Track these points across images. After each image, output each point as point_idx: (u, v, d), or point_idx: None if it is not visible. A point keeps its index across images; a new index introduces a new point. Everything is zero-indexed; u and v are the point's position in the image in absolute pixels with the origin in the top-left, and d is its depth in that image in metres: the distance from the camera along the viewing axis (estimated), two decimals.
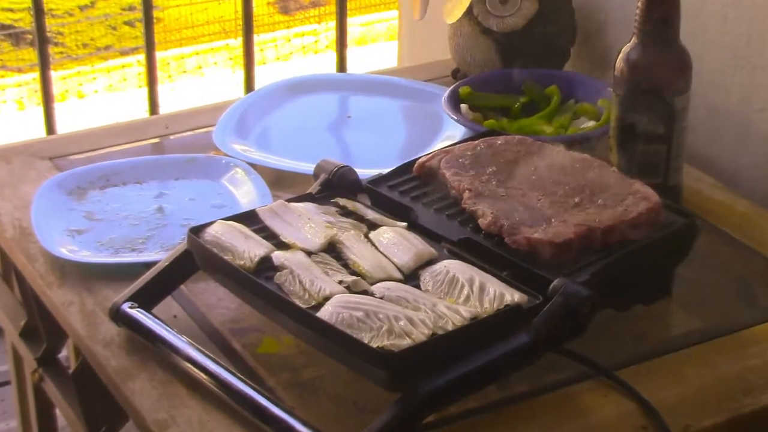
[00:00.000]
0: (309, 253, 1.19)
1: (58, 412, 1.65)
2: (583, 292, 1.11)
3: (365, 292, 1.13)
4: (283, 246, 1.20)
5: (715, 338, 1.23)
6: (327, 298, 1.11)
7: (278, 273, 1.16)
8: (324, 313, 1.09)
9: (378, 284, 1.14)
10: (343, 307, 1.09)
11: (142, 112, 2.17)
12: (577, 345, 1.15)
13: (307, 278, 1.14)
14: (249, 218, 1.26)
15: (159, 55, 2.03)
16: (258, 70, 2.07)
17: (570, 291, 1.11)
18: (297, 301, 1.12)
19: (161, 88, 2.02)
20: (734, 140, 1.60)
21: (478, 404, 1.12)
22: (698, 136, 1.61)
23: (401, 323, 1.07)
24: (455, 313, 1.09)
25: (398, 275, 1.17)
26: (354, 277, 1.15)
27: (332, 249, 1.21)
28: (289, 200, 1.29)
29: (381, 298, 1.11)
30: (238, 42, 5.39)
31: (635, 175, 1.32)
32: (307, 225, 1.23)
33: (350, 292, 1.13)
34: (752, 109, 1.56)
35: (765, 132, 1.54)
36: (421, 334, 1.06)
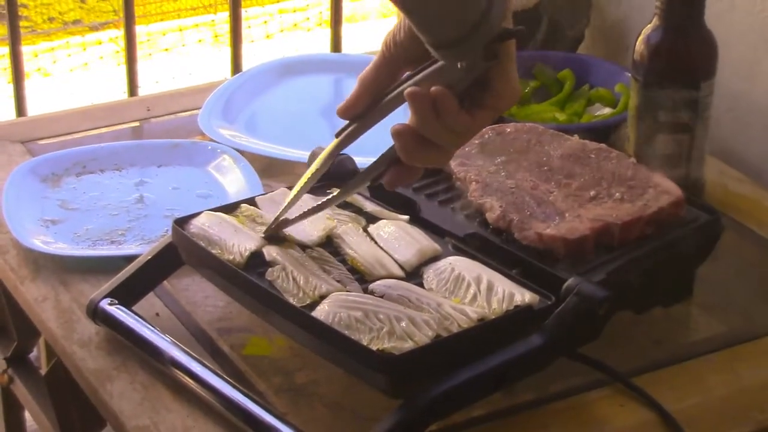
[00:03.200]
0: (304, 248, 1.20)
1: (27, 415, 1.66)
2: (598, 293, 1.12)
3: (365, 291, 1.14)
4: (275, 239, 1.21)
5: (739, 344, 1.24)
6: (323, 297, 1.12)
7: (270, 269, 1.16)
8: (320, 313, 1.09)
9: (378, 282, 1.15)
10: (341, 306, 1.09)
11: (120, 93, 2.17)
12: (592, 349, 1.15)
13: (301, 275, 1.15)
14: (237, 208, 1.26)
15: (138, 30, 2.03)
16: (246, 49, 2.07)
17: (585, 291, 1.12)
18: (290, 300, 1.12)
19: (141, 67, 2.02)
20: (762, 131, 1.60)
21: (484, 412, 1.13)
22: (723, 125, 1.62)
23: (403, 324, 1.07)
24: (461, 314, 1.10)
25: (400, 273, 1.17)
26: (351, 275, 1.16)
27: (329, 243, 1.22)
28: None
29: (381, 296, 1.12)
30: (223, 17, 5.38)
31: (655, 167, 1.32)
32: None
33: (348, 290, 1.13)
34: None
35: None
36: (424, 337, 1.06)
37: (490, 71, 1.07)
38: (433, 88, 1.06)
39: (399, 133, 1.09)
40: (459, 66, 1.06)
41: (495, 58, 1.06)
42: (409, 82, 1.10)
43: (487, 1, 1.03)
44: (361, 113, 1.13)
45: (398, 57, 1.11)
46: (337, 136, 1.16)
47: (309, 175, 1.18)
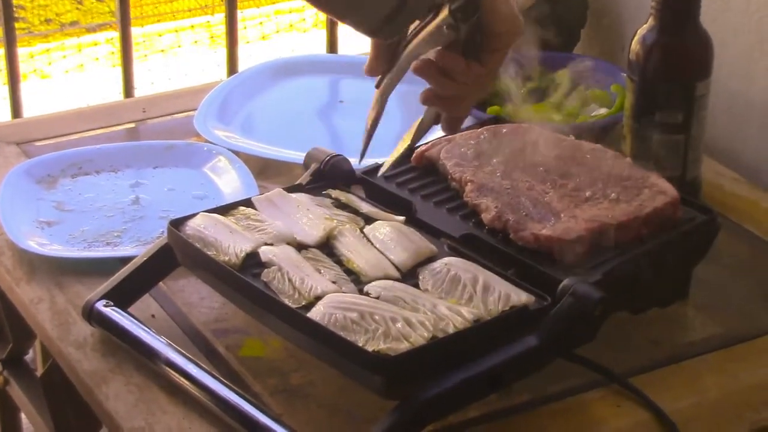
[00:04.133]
0: (299, 249, 1.20)
1: (23, 417, 1.66)
2: (594, 294, 1.12)
3: (360, 292, 1.14)
4: (272, 240, 1.21)
5: (735, 344, 1.24)
6: (318, 298, 1.12)
7: (266, 270, 1.16)
8: (315, 314, 1.09)
9: (373, 283, 1.15)
10: (336, 307, 1.09)
11: (115, 94, 2.17)
12: (588, 350, 1.16)
13: (297, 276, 1.15)
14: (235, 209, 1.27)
15: (134, 31, 2.03)
16: (241, 50, 2.07)
17: (581, 292, 1.12)
18: (286, 301, 1.12)
19: (136, 68, 2.02)
20: (758, 131, 1.61)
21: (480, 413, 1.13)
22: (719, 126, 1.62)
23: (398, 325, 1.07)
24: (457, 315, 1.10)
25: (395, 274, 1.17)
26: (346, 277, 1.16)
27: (324, 245, 1.22)
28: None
29: (377, 298, 1.12)
30: (219, 18, 5.38)
31: (651, 168, 1.32)
32: (306, 217, 1.24)
33: (343, 292, 1.13)
34: None
35: None
36: (420, 338, 1.06)
37: (482, 16, 1.10)
38: (435, 55, 1.11)
39: (429, 100, 1.16)
40: (445, 29, 1.10)
41: (473, 15, 1.09)
42: (411, 46, 1.13)
43: None
44: (386, 68, 1.17)
45: None
46: (377, 87, 1.19)
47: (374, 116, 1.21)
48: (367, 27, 1.09)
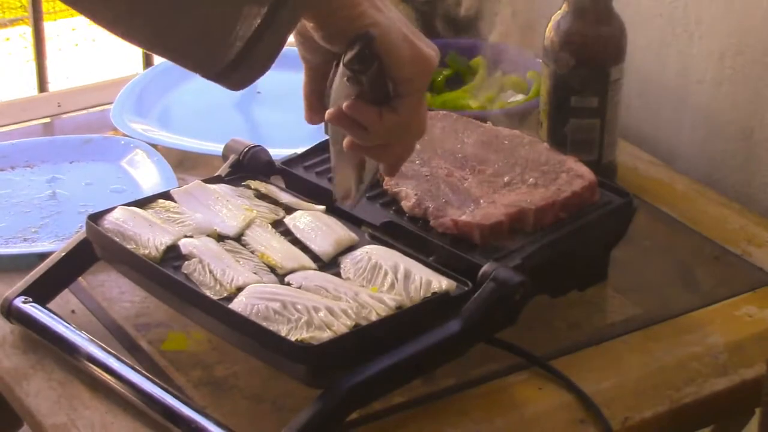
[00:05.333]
0: (219, 240, 1.20)
1: None
2: (514, 278, 1.13)
3: (282, 282, 1.14)
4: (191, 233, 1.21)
5: (654, 325, 1.26)
6: (240, 289, 1.12)
7: (186, 262, 1.16)
8: (237, 305, 1.09)
9: (295, 273, 1.15)
10: (258, 297, 1.09)
11: (30, 89, 2.15)
12: (509, 334, 1.17)
13: (217, 267, 1.14)
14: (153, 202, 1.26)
15: (46, 26, 2.01)
16: None
17: (501, 277, 1.12)
18: (207, 293, 1.12)
19: (50, 63, 2.00)
20: (672, 114, 1.63)
21: (404, 399, 1.13)
22: (634, 109, 1.64)
23: (321, 314, 1.07)
24: (379, 302, 1.10)
25: (312, 264, 1.17)
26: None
27: (238, 237, 1.21)
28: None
29: (299, 287, 1.12)
30: None
31: (568, 152, 1.34)
32: (225, 208, 1.24)
33: (264, 282, 1.13)
34: (690, 81, 1.59)
35: (704, 105, 1.58)
36: (342, 326, 1.07)
37: (384, 62, 1.02)
38: (344, 105, 1.03)
39: (352, 149, 1.08)
40: (346, 82, 1.02)
41: (371, 64, 1.00)
42: (331, 101, 1.06)
43: (252, 34, 0.94)
44: (323, 115, 1.09)
45: (319, 63, 1.08)
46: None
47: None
48: (208, 72, 0.97)
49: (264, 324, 1.07)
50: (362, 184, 1.14)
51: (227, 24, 0.94)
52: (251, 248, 1.19)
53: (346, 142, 1.08)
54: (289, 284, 1.13)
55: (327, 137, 1.12)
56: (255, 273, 1.15)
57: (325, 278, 1.14)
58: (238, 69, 0.96)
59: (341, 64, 1.02)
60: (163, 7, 0.94)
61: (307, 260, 1.18)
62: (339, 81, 1.04)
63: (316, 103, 1.10)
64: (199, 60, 0.97)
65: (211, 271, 1.14)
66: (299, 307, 1.08)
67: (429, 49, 1.05)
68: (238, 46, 0.94)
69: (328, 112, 1.06)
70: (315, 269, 1.17)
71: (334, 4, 0.99)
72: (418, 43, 1.04)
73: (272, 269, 1.16)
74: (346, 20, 1.00)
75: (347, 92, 1.03)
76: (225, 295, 1.12)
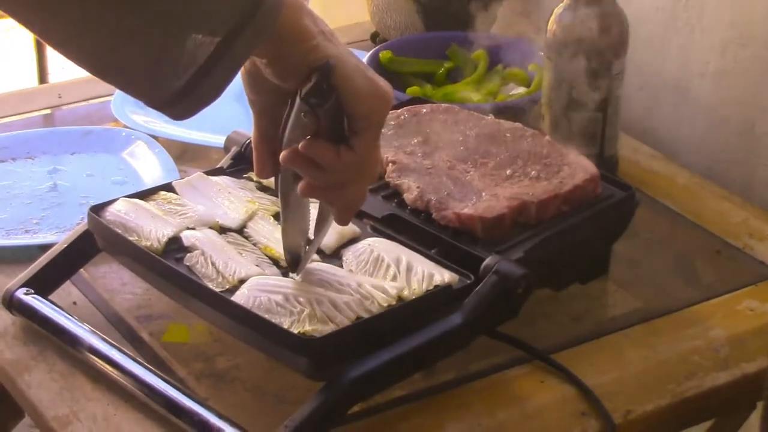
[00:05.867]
0: (221, 232, 1.20)
1: None
2: (516, 271, 1.13)
3: (285, 274, 1.13)
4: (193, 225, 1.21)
5: (655, 318, 1.26)
6: (242, 281, 1.12)
7: (188, 254, 1.16)
8: (239, 297, 1.09)
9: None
10: (261, 290, 1.09)
11: (31, 80, 2.14)
12: (511, 327, 1.17)
13: (220, 259, 1.14)
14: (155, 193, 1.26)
15: None
16: None
17: (503, 270, 1.13)
18: (210, 285, 1.12)
19: (51, 53, 2.00)
20: (673, 107, 1.63)
21: (406, 392, 1.14)
22: (635, 103, 1.64)
23: (323, 307, 1.07)
24: (381, 291, 1.10)
25: (315, 256, 1.17)
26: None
27: (240, 230, 1.21)
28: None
29: (302, 279, 1.12)
30: None
31: (570, 145, 1.34)
32: (227, 200, 1.24)
33: (267, 274, 1.13)
34: (692, 74, 1.59)
35: (706, 98, 1.58)
36: (345, 319, 1.07)
37: (340, 97, 0.99)
38: (300, 145, 1.01)
39: (306, 193, 1.05)
40: (303, 117, 0.99)
41: (329, 97, 0.98)
42: (284, 142, 1.02)
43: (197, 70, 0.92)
44: (275, 165, 1.06)
45: (267, 104, 1.05)
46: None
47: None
48: (154, 101, 0.95)
49: (266, 316, 1.07)
50: (311, 247, 1.12)
51: (173, 53, 0.92)
52: (254, 240, 1.19)
53: (301, 186, 1.04)
54: (293, 276, 1.13)
55: None
56: (257, 265, 1.15)
57: (328, 269, 1.14)
58: (185, 99, 0.94)
59: (298, 99, 0.99)
60: (109, 32, 0.91)
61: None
62: (295, 119, 1.00)
63: (266, 153, 1.06)
64: (145, 88, 0.95)
65: (213, 263, 1.14)
66: (302, 299, 1.08)
67: (384, 84, 1.02)
68: (186, 76, 0.93)
69: (282, 154, 1.02)
70: (318, 260, 1.17)
71: (289, 38, 0.97)
72: (374, 77, 1.01)
73: (275, 261, 1.16)
74: (299, 54, 0.98)
75: (303, 132, 1.00)
76: (227, 287, 1.12)
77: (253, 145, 1.07)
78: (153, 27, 0.92)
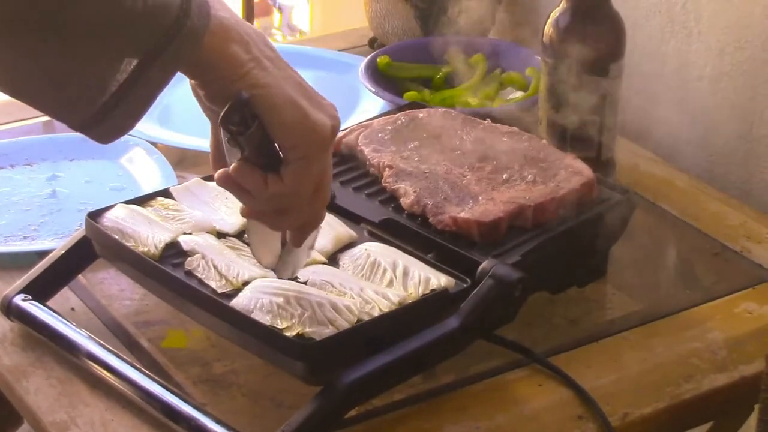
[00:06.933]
0: (219, 237, 1.20)
1: None
2: (513, 275, 1.13)
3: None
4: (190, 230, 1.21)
5: (653, 321, 1.26)
6: (246, 283, 1.12)
7: (189, 258, 1.16)
8: (242, 299, 1.09)
9: (302, 269, 1.15)
10: (263, 292, 1.09)
11: None
12: (509, 331, 1.17)
13: (221, 263, 1.14)
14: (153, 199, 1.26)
15: None
16: None
17: (500, 273, 1.12)
18: (213, 284, 1.12)
19: None
20: (670, 110, 1.62)
21: (403, 396, 1.13)
22: (633, 106, 1.64)
23: (325, 310, 1.07)
24: (383, 298, 1.10)
25: (321, 258, 1.17)
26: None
27: (242, 233, 1.21)
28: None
29: (305, 282, 1.12)
30: None
31: (567, 149, 1.34)
32: (224, 206, 1.24)
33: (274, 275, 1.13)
34: (690, 78, 1.59)
35: (703, 101, 1.58)
36: (345, 322, 1.06)
37: (265, 125, 0.97)
38: (230, 168, 0.99)
39: (246, 215, 1.05)
40: (226, 143, 0.98)
41: (251, 125, 0.96)
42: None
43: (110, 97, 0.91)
44: None
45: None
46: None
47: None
48: (71, 123, 0.93)
49: (265, 320, 1.07)
50: (302, 253, 1.12)
51: (85, 75, 0.90)
52: None
53: (240, 208, 1.04)
54: (296, 278, 1.13)
55: None
56: (259, 269, 1.14)
57: (332, 273, 1.14)
58: (102, 123, 0.92)
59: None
60: (19, 53, 0.89)
61: (316, 254, 1.17)
62: (220, 146, 1.00)
63: (220, 159, 1.04)
64: (60, 111, 0.93)
65: (215, 266, 1.14)
66: (303, 302, 1.08)
67: (323, 115, 0.99)
68: (97, 104, 0.91)
69: (216, 175, 1.01)
70: (325, 263, 1.16)
71: (215, 65, 0.95)
72: (309, 108, 0.98)
73: None
74: (227, 80, 0.96)
75: (232, 155, 1.00)
76: (230, 289, 1.11)
77: (210, 152, 1.06)
78: (58, 52, 0.89)
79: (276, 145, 0.99)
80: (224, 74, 0.96)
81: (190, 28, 0.92)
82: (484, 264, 1.14)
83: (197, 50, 0.94)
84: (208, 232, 1.20)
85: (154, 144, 1.54)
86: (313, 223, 1.07)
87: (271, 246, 1.11)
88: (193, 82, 1.00)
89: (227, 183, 1.01)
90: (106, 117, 0.92)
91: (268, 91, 0.97)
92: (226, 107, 0.97)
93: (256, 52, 0.97)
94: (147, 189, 1.43)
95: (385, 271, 1.15)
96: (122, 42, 0.90)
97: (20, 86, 0.93)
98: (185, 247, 1.17)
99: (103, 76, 0.90)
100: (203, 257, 1.15)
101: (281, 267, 1.12)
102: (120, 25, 0.90)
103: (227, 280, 1.12)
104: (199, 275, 1.14)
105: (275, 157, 0.99)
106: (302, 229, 1.07)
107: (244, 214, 1.05)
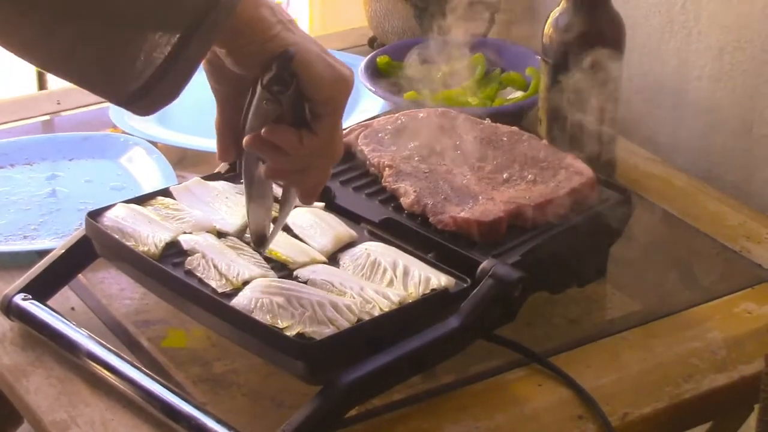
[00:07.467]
0: (219, 237, 1.20)
1: None
2: (513, 274, 1.13)
3: (288, 277, 1.13)
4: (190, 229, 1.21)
5: (653, 321, 1.26)
6: (246, 283, 1.12)
7: (189, 258, 1.15)
8: (242, 298, 1.09)
9: (303, 268, 1.15)
10: (263, 291, 1.09)
11: (29, 86, 2.15)
12: (509, 330, 1.17)
13: (221, 262, 1.14)
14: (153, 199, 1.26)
15: None
16: None
17: (500, 273, 1.13)
18: (213, 284, 1.12)
19: None
20: (671, 110, 1.63)
21: (403, 395, 1.13)
22: (633, 106, 1.64)
23: (326, 309, 1.07)
24: (383, 297, 1.10)
25: (321, 257, 1.17)
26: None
27: (243, 232, 1.21)
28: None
29: (305, 282, 1.12)
30: None
31: (567, 149, 1.34)
32: (225, 205, 1.24)
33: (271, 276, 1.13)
34: (689, 77, 1.59)
35: (703, 101, 1.58)
36: (345, 321, 1.06)
37: (301, 83, 1.01)
38: (263, 131, 1.03)
39: (271, 175, 1.08)
40: (264, 105, 1.01)
41: (290, 84, 1.00)
42: (246, 129, 1.05)
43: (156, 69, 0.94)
44: (238, 150, 1.09)
45: (230, 93, 1.08)
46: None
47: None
48: (116, 99, 0.97)
49: (265, 320, 1.07)
50: (277, 225, 1.15)
51: (132, 52, 0.94)
52: None
53: (265, 168, 1.07)
54: (297, 278, 1.13)
55: None
56: (259, 268, 1.14)
57: (332, 272, 1.14)
58: (147, 96, 0.96)
59: (260, 88, 1.01)
60: (65, 37, 0.93)
61: (317, 254, 1.18)
62: (257, 106, 1.03)
63: (228, 138, 1.09)
64: (105, 87, 0.97)
65: (215, 266, 1.14)
66: (304, 302, 1.08)
67: (345, 69, 1.04)
68: (147, 74, 0.94)
69: (246, 139, 1.04)
70: (325, 262, 1.16)
71: (247, 30, 0.99)
72: (335, 63, 1.03)
73: (283, 265, 1.16)
74: (259, 43, 1.00)
75: (265, 118, 1.03)
76: (230, 289, 1.11)
77: (216, 130, 1.10)
78: (108, 31, 0.93)
79: (305, 102, 1.03)
80: (256, 38, 0.99)
81: None
82: (484, 264, 1.14)
83: (231, 17, 0.97)
84: (208, 232, 1.20)
85: (154, 143, 1.54)
86: (324, 181, 1.10)
87: (266, 228, 1.14)
88: (217, 51, 1.02)
89: (260, 144, 1.04)
90: (152, 90, 0.95)
91: (302, 48, 1.01)
92: (274, 70, 1.00)
93: (280, 15, 1.01)
94: (147, 189, 1.43)
95: (385, 270, 1.15)
96: (165, 17, 0.94)
97: (70, 66, 0.96)
98: (185, 246, 1.17)
99: (149, 53, 0.94)
100: (203, 256, 1.15)
101: (269, 240, 1.15)
102: (164, 3, 0.94)
103: (227, 279, 1.12)
104: (199, 275, 1.14)
105: (303, 115, 1.03)
106: (316, 188, 1.10)
107: (269, 173, 1.08)
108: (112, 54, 0.94)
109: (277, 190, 1.14)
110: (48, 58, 0.96)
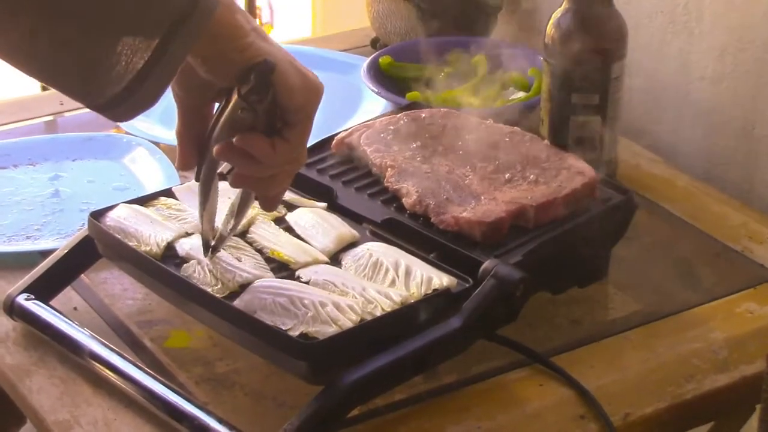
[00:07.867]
0: None
1: None
2: (515, 275, 1.13)
3: (290, 277, 1.14)
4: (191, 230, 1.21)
5: (655, 321, 1.26)
6: (243, 286, 1.12)
7: (185, 265, 1.15)
8: (244, 299, 1.09)
9: (306, 268, 1.15)
10: (265, 292, 1.09)
11: (32, 87, 2.15)
12: (510, 331, 1.17)
13: (217, 266, 1.14)
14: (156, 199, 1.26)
15: None
16: None
17: (502, 273, 1.13)
18: (209, 290, 1.12)
19: None
20: (673, 111, 1.63)
21: (405, 395, 1.13)
22: (635, 106, 1.64)
23: (328, 309, 1.07)
24: (385, 297, 1.10)
25: (323, 257, 1.17)
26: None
27: (245, 232, 1.22)
28: None
29: (307, 282, 1.12)
30: None
31: (569, 149, 1.34)
32: (227, 206, 1.24)
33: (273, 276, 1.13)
34: (691, 78, 1.59)
35: (705, 101, 1.58)
36: (348, 321, 1.07)
37: (276, 93, 1.03)
38: (235, 139, 1.04)
39: (239, 183, 1.09)
40: (240, 113, 1.02)
41: (266, 94, 1.02)
42: (214, 136, 1.05)
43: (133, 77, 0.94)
44: (199, 161, 1.10)
45: (195, 101, 1.08)
46: (196, 179, 1.13)
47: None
48: (93, 104, 0.96)
49: (269, 318, 1.07)
50: (232, 230, 1.16)
51: (109, 61, 0.94)
52: (259, 245, 1.19)
53: (233, 177, 1.08)
54: (299, 279, 1.13)
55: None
56: (256, 270, 1.15)
57: (334, 272, 1.14)
58: (123, 104, 0.96)
59: (236, 97, 1.02)
60: (45, 42, 0.93)
61: (319, 254, 1.18)
62: (230, 115, 1.03)
63: (190, 146, 1.09)
64: (82, 93, 0.96)
65: (210, 271, 1.14)
66: (306, 302, 1.08)
67: (315, 77, 1.07)
68: (126, 79, 0.94)
69: (216, 148, 1.05)
70: (328, 262, 1.17)
71: (223, 36, 0.99)
72: (306, 72, 1.06)
73: (284, 265, 1.16)
74: (237, 51, 1.01)
75: (237, 127, 1.04)
76: (227, 293, 1.12)
77: (177, 138, 1.10)
78: (87, 36, 0.93)
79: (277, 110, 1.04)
80: (232, 45, 1.00)
81: (206, 1, 0.96)
82: (486, 264, 1.14)
83: (210, 22, 0.97)
84: None
85: (156, 144, 1.54)
86: (287, 187, 1.13)
87: (212, 236, 1.16)
88: (189, 60, 1.01)
89: (231, 153, 1.05)
90: (129, 98, 0.95)
91: (275, 58, 1.02)
92: (252, 81, 1.01)
93: (252, 23, 1.02)
94: (150, 189, 1.43)
95: (387, 270, 1.15)
96: (144, 22, 0.94)
97: (48, 71, 0.96)
98: (180, 252, 1.17)
99: (129, 58, 0.94)
100: (198, 263, 1.15)
101: (219, 246, 1.16)
102: (144, 6, 0.93)
103: (223, 284, 1.12)
104: (195, 281, 1.13)
105: (275, 124, 1.04)
106: (279, 194, 1.13)
107: (237, 182, 1.09)
108: (91, 58, 0.94)
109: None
110: (32, 60, 0.95)
